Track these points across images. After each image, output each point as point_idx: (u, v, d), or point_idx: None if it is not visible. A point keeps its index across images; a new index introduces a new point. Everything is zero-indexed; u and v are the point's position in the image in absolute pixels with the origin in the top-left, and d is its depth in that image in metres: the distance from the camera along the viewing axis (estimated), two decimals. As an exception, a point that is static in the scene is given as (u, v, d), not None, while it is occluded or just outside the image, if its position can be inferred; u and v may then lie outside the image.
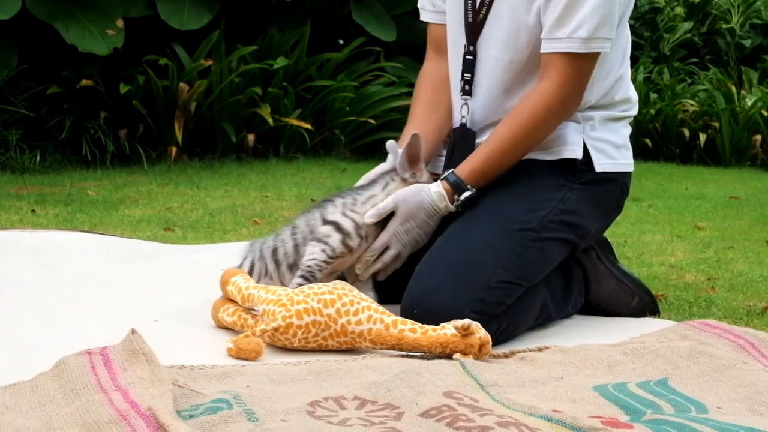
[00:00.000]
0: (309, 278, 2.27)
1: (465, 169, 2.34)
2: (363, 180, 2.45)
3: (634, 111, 2.54)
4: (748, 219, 4.54)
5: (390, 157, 2.42)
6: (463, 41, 2.48)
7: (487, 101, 2.47)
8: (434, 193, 2.32)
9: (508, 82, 2.43)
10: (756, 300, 2.84)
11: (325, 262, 2.28)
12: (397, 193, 2.33)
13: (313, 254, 2.28)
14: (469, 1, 2.45)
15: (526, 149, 2.38)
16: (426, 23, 2.63)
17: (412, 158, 2.36)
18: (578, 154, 2.41)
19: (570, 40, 2.30)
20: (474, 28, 2.45)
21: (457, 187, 2.33)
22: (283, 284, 2.29)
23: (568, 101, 2.35)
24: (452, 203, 2.33)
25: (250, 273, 2.32)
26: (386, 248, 2.32)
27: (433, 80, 2.58)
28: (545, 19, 2.34)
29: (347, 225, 2.30)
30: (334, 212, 2.32)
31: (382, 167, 2.44)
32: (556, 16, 2.31)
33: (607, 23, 2.31)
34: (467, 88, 2.48)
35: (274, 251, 2.33)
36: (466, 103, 2.48)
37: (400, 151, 2.37)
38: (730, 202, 5.16)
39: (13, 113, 5.34)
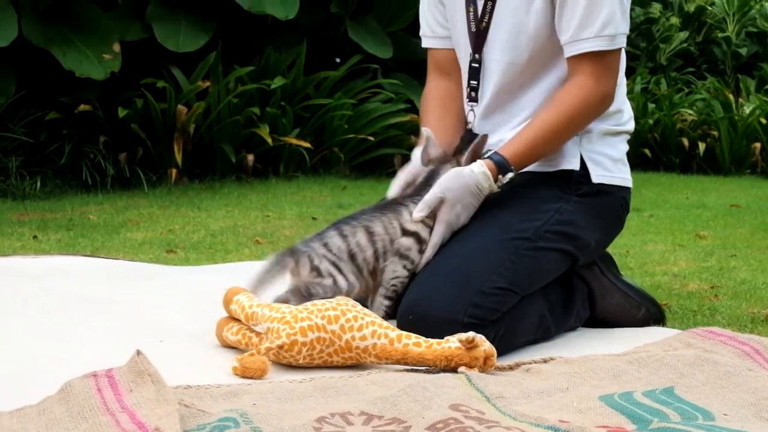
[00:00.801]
0: (393, 297, 2.31)
1: (509, 149, 2.36)
2: (397, 184, 2.44)
3: (631, 126, 2.56)
4: (750, 227, 4.55)
5: (416, 155, 2.43)
6: (469, 50, 2.51)
7: (489, 104, 2.50)
8: (478, 173, 2.33)
9: (507, 84, 2.46)
10: (760, 307, 2.84)
11: (407, 277, 2.31)
12: (439, 182, 2.34)
13: (396, 272, 2.31)
14: (471, 12, 2.48)
15: (566, 138, 2.41)
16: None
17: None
18: (575, 166, 2.43)
19: (597, 38, 2.35)
20: (479, 36, 2.48)
21: (501, 166, 2.35)
22: (366, 288, 2.31)
23: (606, 95, 2.40)
24: (495, 182, 2.35)
25: (315, 271, 2.26)
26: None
27: (439, 95, 2.61)
28: (564, 25, 2.37)
29: (425, 234, 2.33)
30: (410, 222, 2.33)
31: (414, 167, 2.44)
32: (578, 18, 2.35)
33: (625, 18, 2.39)
34: (473, 95, 2.52)
35: (352, 256, 2.29)
36: (472, 110, 2.52)
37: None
38: (731, 210, 5.16)
39: (12, 140, 5.35)
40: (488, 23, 2.46)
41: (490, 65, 2.48)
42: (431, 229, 2.34)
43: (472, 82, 2.52)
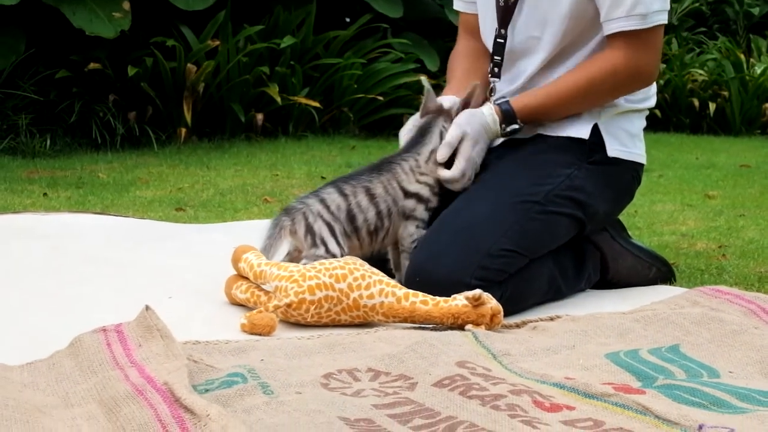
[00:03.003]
0: None
1: (520, 102, 2.41)
2: (404, 135, 2.45)
3: (653, 102, 2.56)
4: (759, 187, 4.54)
5: (423, 104, 2.44)
6: (495, 24, 2.50)
7: (519, 82, 2.49)
8: (488, 115, 2.40)
9: (542, 62, 2.45)
10: (767, 266, 2.84)
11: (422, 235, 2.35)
12: (457, 122, 2.38)
13: (411, 234, 2.35)
14: None
15: (583, 104, 2.43)
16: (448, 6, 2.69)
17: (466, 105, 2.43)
18: (584, 135, 2.43)
19: (629, 18, 2.35)
20: (506, 12, 2.48)
21: (508, 115, 2.40)
22: (361, 248, 2.33)
23: (638, 71, 2.40)
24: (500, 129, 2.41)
25: (309, 233, 2.27)
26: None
27: (467, 52, 2.65)
28: (600, 3, 2.37)
29: (426, 193, 2.37)
30: (409, 181, 2.36)
31: (417, 118, 2.45)
32: None
33: None
34: (496, 70, 2.52)
35: (351, 216, 2.31)
36: (494, 85, 2.53)
37: (440, 98, 2.45)
38: (741, 170, 5.16)
39: (22, 98, 5.36)
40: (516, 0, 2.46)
41: (521, 43, 2.47)
42: (430, 187, 2.37)
43: (495, 57, 2.52)
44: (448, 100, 2.45)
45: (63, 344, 1.78)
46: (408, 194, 2.35)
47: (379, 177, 2.35)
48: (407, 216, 2.35)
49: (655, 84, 2.56)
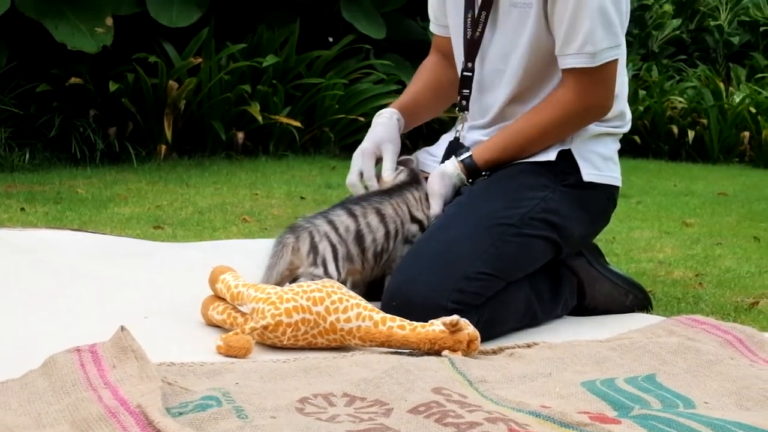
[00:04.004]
0: None
1: (483, 157, 2.45)
2: (389, 173, 2.50)
3: (627, 128, 2.58)
4: (736, 215, 4.56)
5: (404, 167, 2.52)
6: (462, 58, 2.52)
7: (490, 115, 2.52)
8: (455, 176, 2.46)
9: (510, 95, 2.47)
10: (743, 296, 2.85)
11: None
12: (434, 189, 2.44)
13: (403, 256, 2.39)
14: (469, 19, 2.49)
15: (542, 145, 2.46)
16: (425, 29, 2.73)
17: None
18: (551, 158, 2.45)
19: (579, 55, 2.37)
20: (472, 45, 2.50)
21: (471, 169, 2.45)
22: (363, 270, 2.36)
23: (589, 108, 2.43)
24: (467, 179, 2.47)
25: (313, 252, 2.28)
26: None
27: (434, 68, 2.70)
28: (555, 35, 2.40)
29: (426, 223, 2.43)
30: (417, 208, 2.43)
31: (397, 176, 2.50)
32: (563, 32, 2.37)
33: (610, 32, 2.37)
34: (464, 103, 2.54)
35: (360, 237, 2.33)
36: (462, 117, 2.55)
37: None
38: (719, 198, 5.18)
39: (2, 111, 5.33)
40: (482, 33, 2.47)
41: (487, 75, 2.50)
42: (428, 219, 2.45)
43: (463, 90, 2.54)
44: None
45: (36, 363, 1.76)
46: (414, 219, 2.41)
47: (390, 199, 2.40)
48: (408, 240, 2.40)
49: (629, 112, 2.59)
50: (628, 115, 2.58)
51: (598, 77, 2.40)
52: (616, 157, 2.56)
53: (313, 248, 2.27)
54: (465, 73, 2.52)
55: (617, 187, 2.56)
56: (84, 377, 1.67)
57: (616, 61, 2.41)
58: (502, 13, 2.45)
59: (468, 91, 2.53)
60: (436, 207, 2.43)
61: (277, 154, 5.95)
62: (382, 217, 2.36)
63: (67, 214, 3.78)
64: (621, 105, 2.53)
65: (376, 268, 2.38)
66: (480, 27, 2.47)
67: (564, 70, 2.41)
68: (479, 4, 2.47)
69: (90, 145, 5.49)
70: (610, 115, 2.49)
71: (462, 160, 2.45)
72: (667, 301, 2.76)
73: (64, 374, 1.69)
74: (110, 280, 2.64)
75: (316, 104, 6.10)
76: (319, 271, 2.25)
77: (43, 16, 5.28)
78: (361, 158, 2.48)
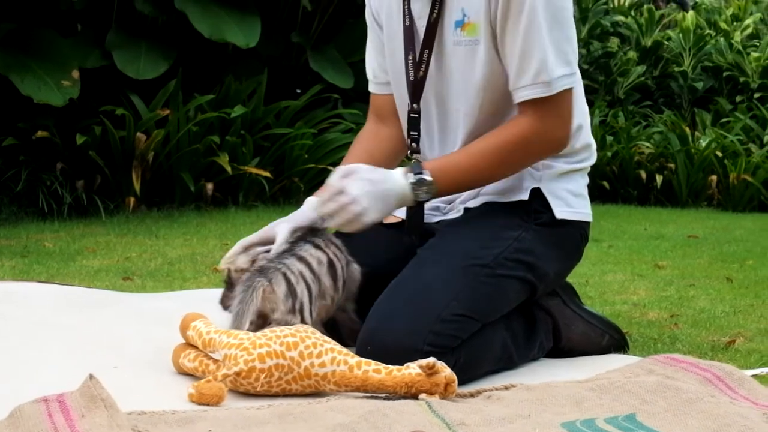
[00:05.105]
0: None
1: (438, 193, 2.35)
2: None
3: (593, 160, 2.57)
4: (708, 257, 4.57)
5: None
6: (407, 100, 2.49)
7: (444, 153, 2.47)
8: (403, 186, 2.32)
9: (468, 134, 2.43)
10: (719, 335, 2.84)
11: None
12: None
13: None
14: (410, 61, 2.46)
15: (496, 174, 2.41)
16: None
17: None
18: (523, 197, 2.43)
19: (534, 86, 2.33)
20: (416, 86, 2.46)
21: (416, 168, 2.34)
22: (333, 304, 2.31)
23: (548, 139, 2.38)
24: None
25: (291, 297, 2.18)
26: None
27: (369, 137, 2.63)
28: (508, 69, 2.36)
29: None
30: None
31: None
32: (515, 65, 2.33)
33: (561, 60, 2.34)
34: (414, 146, 2.50)
35: (332, 267, 2.28)
36: (415, 160, 2.47)
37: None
38: (689, 241, 5.19)
39: (-33, 166, 5.29)
40: (425, 73, 2.44)
41: (440, 115, 2.46)
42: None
43: (412, 133, 2.49)
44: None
45: (3, 413, 1.71)
46: (349, 260, 2.38)
47: (330, 238, 2.36)
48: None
49: (594, 142, 2.57)
50: (593, 146, 2.56)
51: (555, 107, 2.35)
52: (585, 192, 2.54)
53: (292, 293, 2.19)
54: (412, 115, 2.48)
55: (589, 222, 2.55)
56: (52, 427, 1.62)
57: (571, 90, 2.38)
58: (447, 53, 2.41)
59: (416, 133, 2.48)
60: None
61: (247, 204, 5.92)
62: (337, 246, 2.32)
63: (34, 267, 3.73)
64: (586, 137, 2.51)
65: (339, 301, 2.33)
66: (423, 67, 2.43)
67: (520, 104, 2.36)
68: (420, 44, 2.43)
69: (57, 198, 5.44)
70: (577, 146, 2.48)
71: (419, 201, 2.34)
72: (643, 342, 2.74)
73: (32, 425, 1.64)
74: (79, 329, 2.59)
75: (285, 154, 6.08)
76: (296, 319, 2.18)
77: (8, 69, 5.25)
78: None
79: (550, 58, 2.31)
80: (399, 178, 2.31)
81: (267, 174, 5.87)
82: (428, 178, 2.31)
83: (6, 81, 5.23)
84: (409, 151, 2.52)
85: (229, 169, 5.66)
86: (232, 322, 2.16)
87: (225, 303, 2.34)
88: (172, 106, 5.73)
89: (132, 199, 5.50)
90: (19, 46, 5.43)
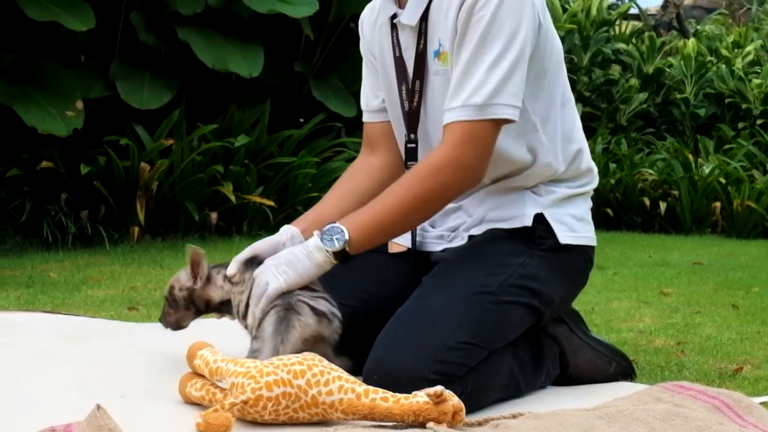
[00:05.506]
0: None
1: (353, 243, 2.26)
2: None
3: (595, 183, 2.56)
4: (713, 284, 4.56)
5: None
6: (404, 130, 2.49)
7: None
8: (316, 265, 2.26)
9: None
10: (727, 362, 2.83)
11: None
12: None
13: None
14: (404, 91, 2.46)
15: (418, 218, 2.35)
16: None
17: (194, 273, 2.40)
18: (527, 223, 2.41)
19: (464, 108, 2.26)
20: (412, 116, 2.45)
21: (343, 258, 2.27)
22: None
23: (459, 166, 2.27)
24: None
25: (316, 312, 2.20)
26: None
27: (355, 171, 2.60)
28: (449, 90, 2.32)
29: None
30: None
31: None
32: (452, 86, 2.30)
33: (506, 89, 2.26)
34: None
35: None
36: None
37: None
38: (694, 268, 5.19)
39: (-29, 197, 5.30)
40: (419, 102, 2.43)
41: (432, 145, 2.44)
42: None
43: (409, 162, 2.47)
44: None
45: (10, 445, 1.71)
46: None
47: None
48: None
49: (595, 166, 2.55)
50: (595, 169, 2.54)
51: (476, 134, 2.25)
52: (589, 215, 2.53)
53: (322, 314, 2.21)
54: (409, 145, 2.47)
55: (593, 247, 2.54)
56: (60, 458, 1.62)
57: (500, 121, 2.28)
58: (429, 83, 2.41)
59: (413, 162, 2.46)
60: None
61: (251, 233, 5.92)
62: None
63: (39, 298, 3.73)
64: (587, 161, 2.51)
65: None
66: (416, 96, 2.42)
67: (444, 127, 2.29)
68: (411, 74, 2.43)
69: (62, 228, 5.44)
70: (579, 170, 2.47)
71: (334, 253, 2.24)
72: (650, 370, 2.73)
73: (40, 455, 1.64)
74: (85, 359, 2.58)
75: (288, 183, 6.09)
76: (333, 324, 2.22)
77: (12, 100, 5.27)
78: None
79: (491, 80, 2.24)
80: (310, 239, 2.27)
81: (271, 203, 5.88)
82: (337, 225, 2.25)
83: (10, 112, 5.24)
84: None
85: (233, 198, 5.67)
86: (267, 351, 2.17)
87: (167, 320, 2.44)
88: (176, 135, 5.75)
89: (136, 229, 5.51)
90: (23, 76, 5.45)
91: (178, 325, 2.45)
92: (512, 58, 2.27)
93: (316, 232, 2.27)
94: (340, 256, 2.25)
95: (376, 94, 2.59)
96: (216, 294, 2.39)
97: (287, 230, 2.42)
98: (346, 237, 2.24)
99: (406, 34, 2.43)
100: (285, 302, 2.21)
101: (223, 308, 2.40)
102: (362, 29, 2.62)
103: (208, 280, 2.40)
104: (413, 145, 2.47)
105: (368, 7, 2.61)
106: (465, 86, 2.27)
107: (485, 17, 2.26)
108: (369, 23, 2.59)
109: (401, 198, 2.28)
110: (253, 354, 2.19)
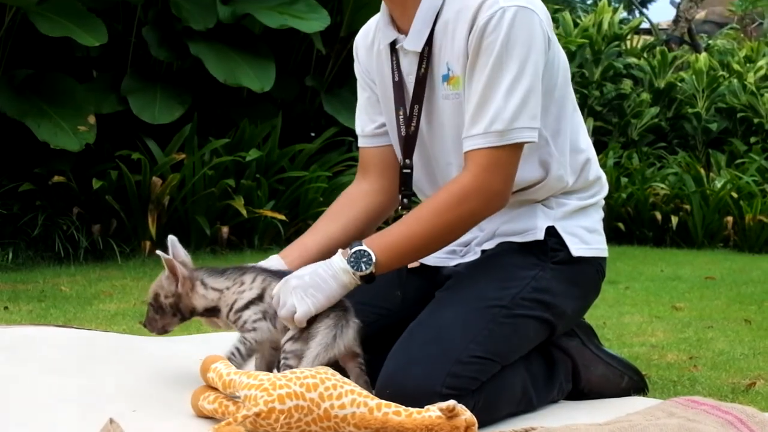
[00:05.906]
0: None
1: (380, 266, 2.25)
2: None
3: (605, 192, 2.55)
4: (725, 299, 4.55)
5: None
6: (400, 156, 2.48)
7: None
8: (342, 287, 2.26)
9: None
10: (740, 377, 2.83)
11: None
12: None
13: None
14: (401, 116, 2.44)
15: (444, 242, 2.34)
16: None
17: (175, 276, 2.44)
18: (539, 236, 2.40)
19: (486, 135, 2.25)
20: (408, 141, 2.44)
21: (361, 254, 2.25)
22: None
23: (485, 194, 2.27)
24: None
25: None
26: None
27: (345, 197, 2.58)
28: (465, 117, 2.31)
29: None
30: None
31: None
32: (471, 113, 2.28)
33: (524, 112, 2.26)
34: (405, 201, 2.46)
35: None
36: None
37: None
38: (706, 282, 5.17)
39: (-16, 211, 5.31)
40: (416, 128, 2.41)
41: (427, 168, 2.44)
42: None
43: (402, 188, 2.46)
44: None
45: (23, 458, 1.71)
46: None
47: None
48: None
49: (603, 175, 2.54)
50: (603, 178, 2.53)
51: (501, 159, 2.25)
52: (600, 226, 2.52)
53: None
54: (404, 171, 2.45)
55: (605, 258, 2.53)
56: (73, 471, 1.62)
57: (522, 144, 2.28)
58: (438, 107, 2.39)
59: (406, 189, 2.44)
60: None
61: (263, 247, 5.92)
62: None
63: (51, 312, 3.74)
64: (595, 170, 2.50)
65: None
66: (414, 122, 2.40)
67: (465, 156, 2.29)
68: (410, 99, 2.41)
69: (73, 243, 5.46)
70: (588, 180, 2.46)
71: (361, 277, 2.23)
72: (663, 384, 2.72)
73: (53, 468, 1.64)
74: (97, 373, 2.58)
75: (299, 197, 6.10)
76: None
77: (25, 115, 5.29)
78: None
79: (510, 105, 2.24)
80: (334, 260, 2.26)
81: (282, 217, 5.89)
82: (364, 247, 2.24)
83: (22, 127, 5.27)
84: (399, 207, 2.47)
85: (244, 212, 5.67)
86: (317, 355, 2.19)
87: (154, 326, 2.43)
88: (188, 150, 5.76)
89: (148, 243, 5.52)
90: (36, 91, 5.47)
91: (164, 330, 2.46)
92: (528, 80, 2.26)
93: (340, 251, 2.27)
94: (366, 278, 2.25)
95: (373, 119, 2.57)
96: (199, 303, 2.40)
97: (274, 260, 2.44)
98: (374, 260, 2.24)
99: (409, 59, 2.41)
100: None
101: (207, 314, 2.41)
102: (357, 53, 2.60)
103: (192, 286, 2.41)
104: (408, 171, 2.45)
105: (362, 31, 2.59)
106: (484, 113, 2.26)
107: (497, 40, 2.25)
108: (364, 47, 2.57)
109: (430, 223, 2.27)
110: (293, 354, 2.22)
